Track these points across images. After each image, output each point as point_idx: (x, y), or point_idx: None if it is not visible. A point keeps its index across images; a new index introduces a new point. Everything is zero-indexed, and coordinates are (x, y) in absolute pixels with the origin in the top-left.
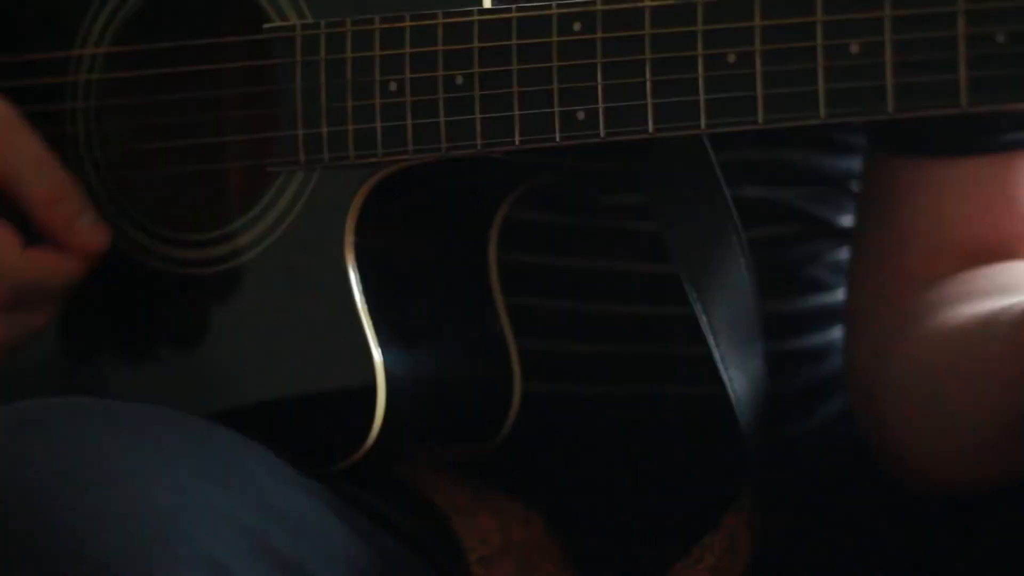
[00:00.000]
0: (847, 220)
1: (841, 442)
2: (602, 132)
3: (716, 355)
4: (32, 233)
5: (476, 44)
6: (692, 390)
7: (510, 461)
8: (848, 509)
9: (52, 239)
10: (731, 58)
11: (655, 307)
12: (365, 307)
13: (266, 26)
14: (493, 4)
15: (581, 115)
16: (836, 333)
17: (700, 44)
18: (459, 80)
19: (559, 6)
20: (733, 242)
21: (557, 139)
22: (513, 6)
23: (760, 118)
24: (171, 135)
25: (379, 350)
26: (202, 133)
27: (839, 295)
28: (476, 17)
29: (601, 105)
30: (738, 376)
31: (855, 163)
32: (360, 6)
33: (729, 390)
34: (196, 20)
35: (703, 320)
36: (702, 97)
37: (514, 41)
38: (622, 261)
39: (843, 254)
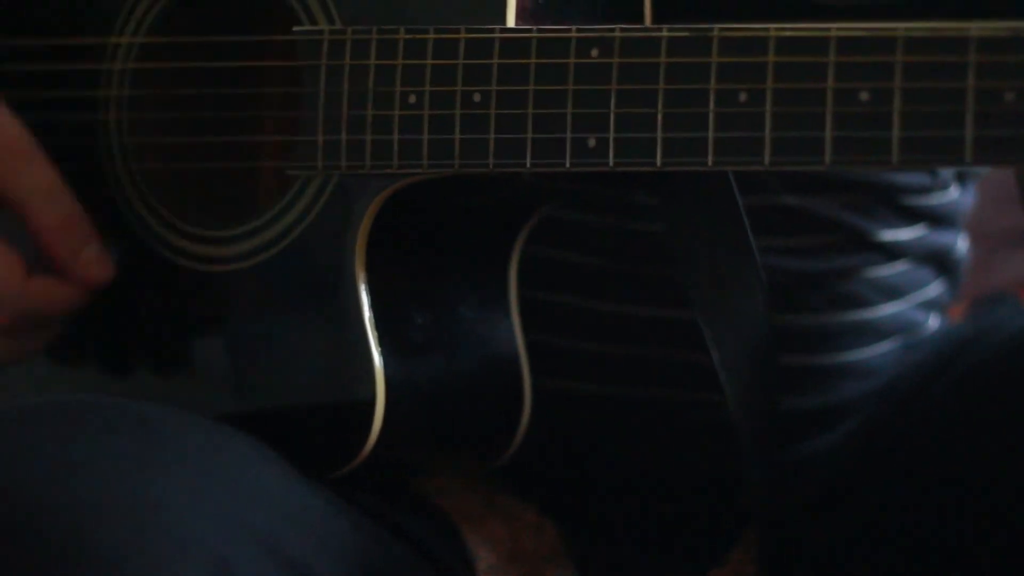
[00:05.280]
0: (888, 235)
1: (852, 458)
2: (611, 161)
3: (727, 393)
4: (37, 256)
5: (496, 60)
6: (709, 397)
7: (523, 463)
8: (855, 525)
9: (56, 266)
10: (742, 96)
11: (673, 310)
12: (371, 315)
13: (295, 28)
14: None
15: (592, 142)
16: (871, 351)
17: (713, 77)
18: (476, 97)
19: (578, 31)
20: (752, 283)
21: (567, 165)
22: (534, 27)
23: (766, 160)
24: (197, 130)
25: (381, 359)
26: (227, 130)
27: (876, 312)
28: (498, 35)
29: (612, 135)
30: (747, 417)
31: (904, 177)
32: (386, 12)
33: (739, 432)
34: (231, 17)
35: (716, 357)
36: (711, 134)
37: (532, 60)
38: (643, 262)
39: (883, 271)
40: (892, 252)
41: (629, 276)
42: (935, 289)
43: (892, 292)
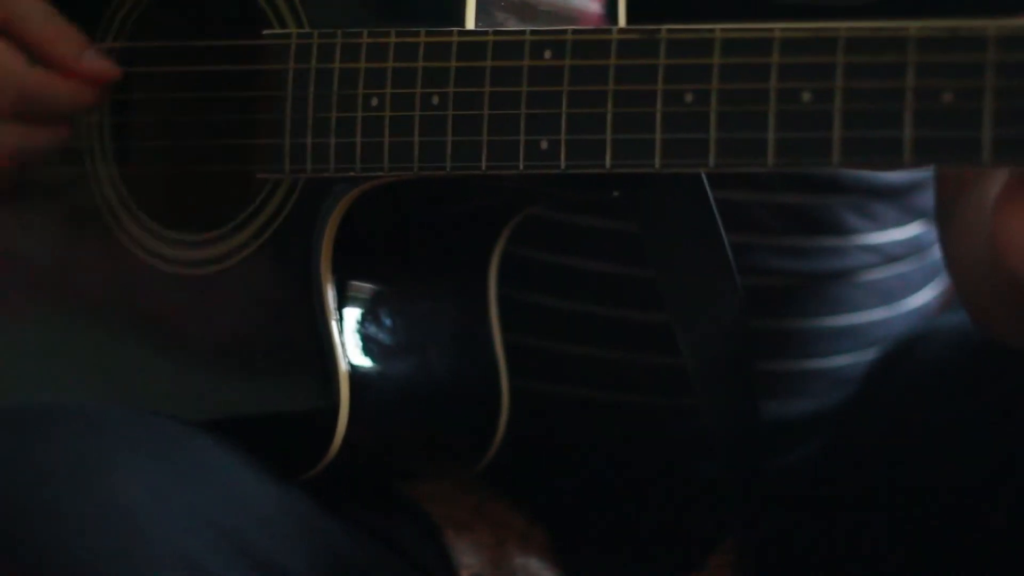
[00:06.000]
0: (887, 235)
1: (829, 464)
2: (562, 164)
3: (701, 400)
4: None
5: (453, 63)
6: (690, 402)
7: (508, 467)
8: (833, 532)
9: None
10: (688, 97)
11: (655, 314)
12: (337, 318)
13: (264, 32)
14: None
15: (544, 144)
16: (866, 356)
17: (660, 79)
18: (435, 100)
19: (532, 33)
20: (728, 293)
21: (520, 167)
22: (490, 29)
23: (711, 162)
24: (173, 133)
25: (346, 361)
26: (200, 134)
27: (868, 316)
28: (456, 38)
29: (563, 136)
30: (723, 423)
31: (905, 175)
32: (352, 15)
33: (715, 439)
34: (208, 21)
35: (689, 362)
36: (658, 135)
37: (488, 63)
38: (625, 265)
39: (878, 273)
40: (890, 254)
41: (610, 279)
42: (930, 292)
43: (886, 296)
